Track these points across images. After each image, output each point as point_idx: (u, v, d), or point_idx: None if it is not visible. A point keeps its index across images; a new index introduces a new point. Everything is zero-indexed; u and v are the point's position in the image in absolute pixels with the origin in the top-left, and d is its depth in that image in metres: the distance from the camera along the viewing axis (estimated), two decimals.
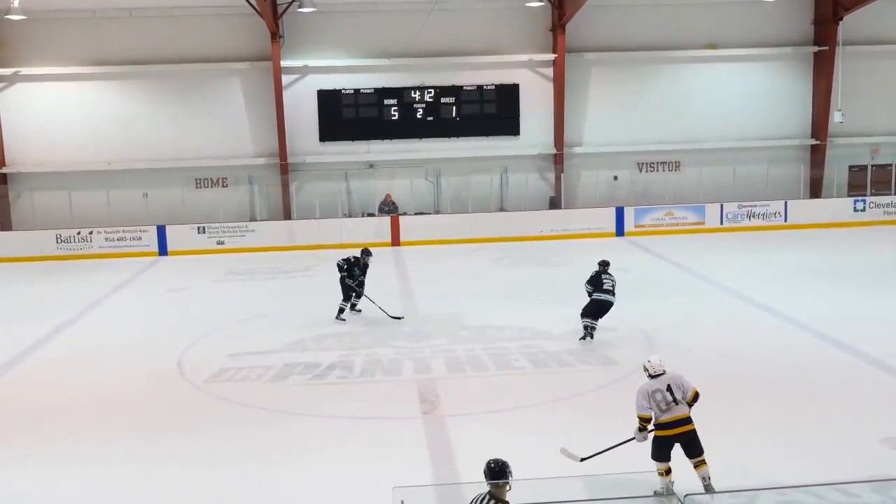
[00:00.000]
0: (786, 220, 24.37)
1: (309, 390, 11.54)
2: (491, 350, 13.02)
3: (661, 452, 7.74)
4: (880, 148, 26.04)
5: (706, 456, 7.52)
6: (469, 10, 24.70)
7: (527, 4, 23.41)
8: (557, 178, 25.22)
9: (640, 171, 25.88)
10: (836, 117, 24.85)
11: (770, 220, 24.38)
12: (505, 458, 5.73)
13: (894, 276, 17.58)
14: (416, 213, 24.69)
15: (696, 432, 7.70)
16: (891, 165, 26.18)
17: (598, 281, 13.12)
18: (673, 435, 7.70)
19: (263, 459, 9.17)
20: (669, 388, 7.84)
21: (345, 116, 24.95)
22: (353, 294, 15.22)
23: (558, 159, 25.20)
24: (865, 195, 25.39)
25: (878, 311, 14.72)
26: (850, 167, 26.22)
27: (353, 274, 15.08)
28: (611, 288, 13.07)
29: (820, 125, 25.73)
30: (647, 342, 13.19)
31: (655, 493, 7.71)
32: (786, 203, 24.58)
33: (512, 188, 25.32)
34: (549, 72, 25.18)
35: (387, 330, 14.48)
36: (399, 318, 14.97)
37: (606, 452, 7.98)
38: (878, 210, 24.86)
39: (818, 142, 25.86)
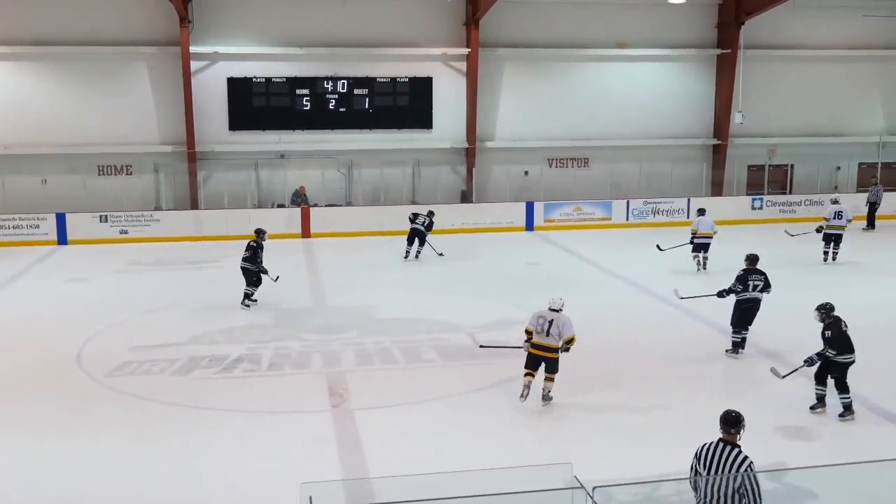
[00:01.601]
0: (688, 217, 25.02)
1: (215, 384, 11.32)
2: (401, 343, 13.03)
3: (527, 362, 10.23)
4: (777, 149, 27.09)
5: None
6: (384, 2, 24.57)
7: None
8: (469, 172, 25.37)
9: (550, 166, 26.26)
10: (736, 118, 25.86)
11: (674, 216, 25.12)
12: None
13: (788, 271, 18.31)
14: (327, 205, 24.47)
15: (556, 360, 10.07)
16: (786, 166, 27.29)
17: (413, 217, 19.50)
18: (536, 354, 10.12)
19: (167, 455, 8.96)
20: (551, 324, 10.00)
21: (255, 105, 24.52)
22: (256, 280, 15.06)
23: (470, 153, 25.37)
24: (763, 194, 26.41)
25: (773, 304, 15.30)
26: (749, 167, 27.21)
27: (258, 256, 14.97)
28: (420, 224, 19.28)
29: (721, 126, 26.61)
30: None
31: (521, 396, 10.13)
32: (689, 200, 25.37)
33: (424, 181, 25.37)
34: (463, 66, 25.30)
35: (296, 322, 14.34)
36: (276, 279, 15.23)
37: (504, 349, 11.39)
38: (775, 208, 25.92)
39: (720, 142, 26.74)
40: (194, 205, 24.01)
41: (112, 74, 24.01)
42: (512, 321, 13.55)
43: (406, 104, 25.18)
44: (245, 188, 24.22)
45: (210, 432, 9.61)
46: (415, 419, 10.01)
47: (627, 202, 25.12)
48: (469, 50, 24.84)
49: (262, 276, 15.11)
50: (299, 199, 24.24)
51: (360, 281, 17.78)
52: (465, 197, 25.49)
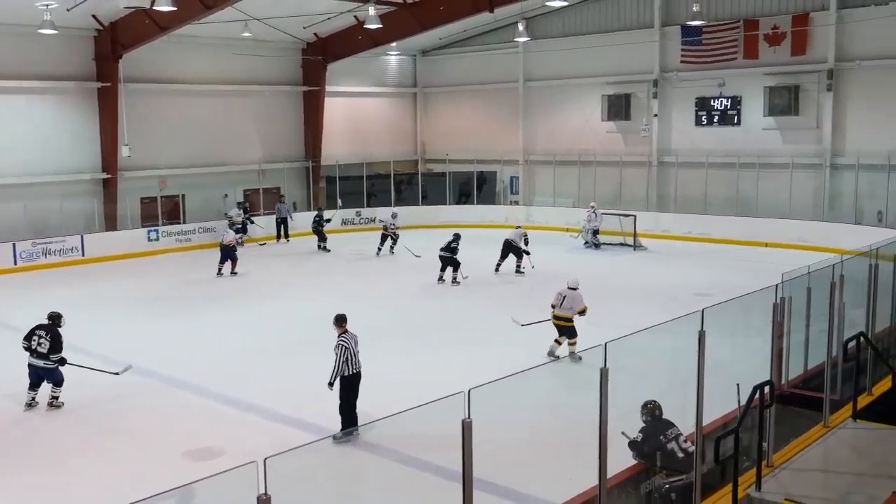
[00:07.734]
0: (83, 255, 24.28)
1: None
2: None
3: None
4: (167, 180, 27.72)
5: None
6: None
7: None
8: None
9: None
10: (124, 152, 25.78)
11: (67, 255, 24.00)
12: None
13: (177, 301, 18.99)
14: None
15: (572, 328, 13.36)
16: (178, 196, 28.10)
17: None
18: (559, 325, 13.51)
19: None
20: (564, 299, 13.39)
21: None
22: None
23: None
24: (158, 225, 26.79)
25: (169, 334, 15.68)
26: (142, 199, 27.32)
27: None
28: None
29: (110, 159, 26.23)
30: None
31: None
32: (82, 237, 24.50)
33: None
34: None
35: None
36: None
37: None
38: (171, 238, 26.52)
39: (109, 175, 26.32)
40: None
41: None
42: None
43: None
44: None
45: None
46: None
47: (14, 245, 23.20)
48: None
49: None
50: None
51: None
52: None
